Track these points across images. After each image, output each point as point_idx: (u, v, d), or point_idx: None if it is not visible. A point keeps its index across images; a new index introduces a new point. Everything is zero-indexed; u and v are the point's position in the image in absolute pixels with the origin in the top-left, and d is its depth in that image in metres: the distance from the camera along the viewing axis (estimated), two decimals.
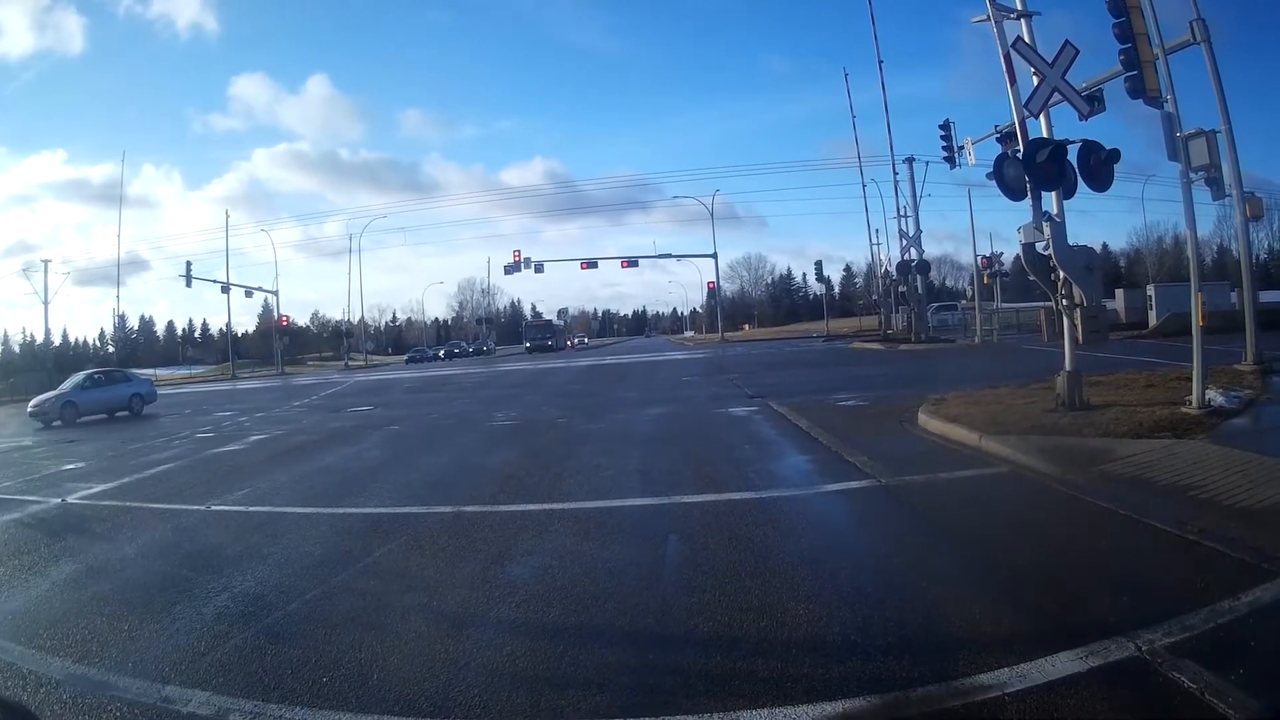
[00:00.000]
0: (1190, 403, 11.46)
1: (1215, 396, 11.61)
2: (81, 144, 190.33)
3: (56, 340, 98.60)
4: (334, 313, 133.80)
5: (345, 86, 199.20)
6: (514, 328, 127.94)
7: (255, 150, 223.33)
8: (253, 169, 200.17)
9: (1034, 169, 11.85)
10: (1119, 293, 48.74)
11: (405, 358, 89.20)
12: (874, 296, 64.21)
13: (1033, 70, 12.37)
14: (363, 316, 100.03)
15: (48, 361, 70.64)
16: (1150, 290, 43.53)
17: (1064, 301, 12.40)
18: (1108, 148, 11.73)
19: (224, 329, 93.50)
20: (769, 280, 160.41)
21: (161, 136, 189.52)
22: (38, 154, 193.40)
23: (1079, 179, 11.91)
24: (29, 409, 27.54)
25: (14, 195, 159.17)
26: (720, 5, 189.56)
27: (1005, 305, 50.29)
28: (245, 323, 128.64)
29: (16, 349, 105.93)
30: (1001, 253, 51.18)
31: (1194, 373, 11.68)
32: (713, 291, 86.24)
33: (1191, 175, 13.05)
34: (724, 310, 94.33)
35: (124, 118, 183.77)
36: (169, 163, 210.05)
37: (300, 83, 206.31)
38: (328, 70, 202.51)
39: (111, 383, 30.06)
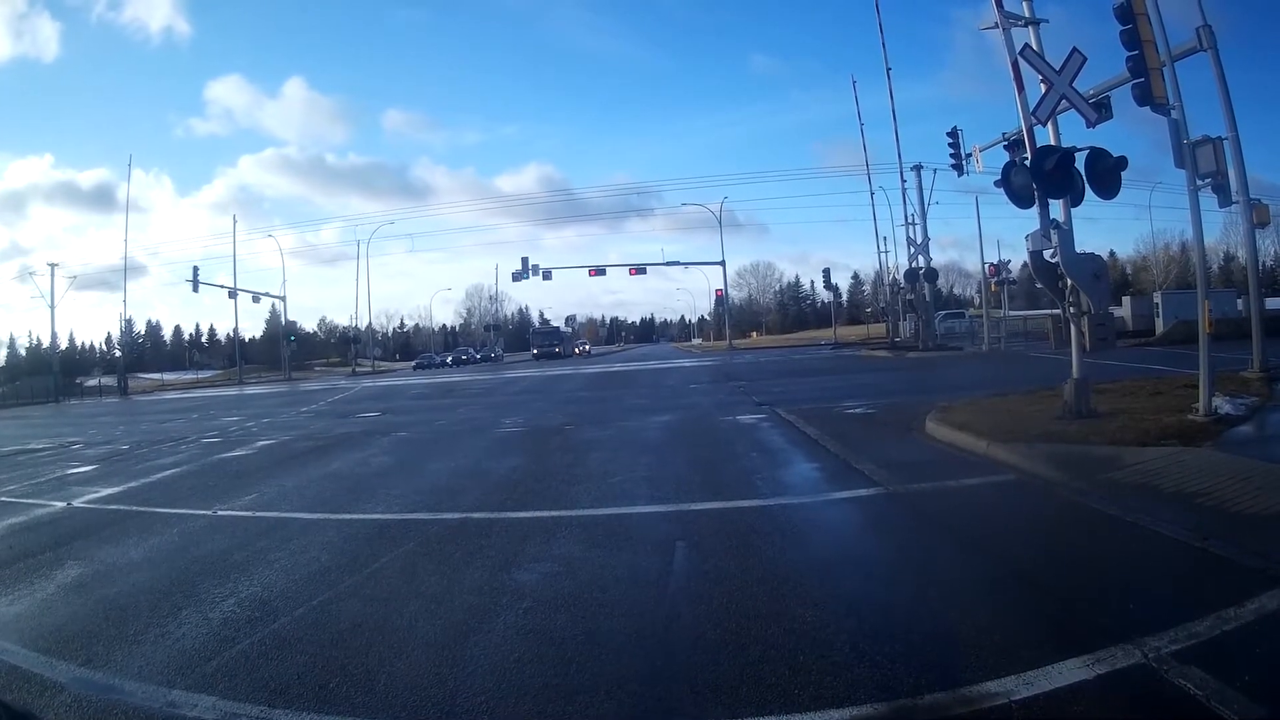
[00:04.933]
0: (1197, 410, 11.43)
1: (1222, 404, 11.58)
2: (68, 149, 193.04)
3: (63, 344, 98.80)
4: (341, 318, 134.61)
5: (328, 88, 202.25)
6: (522, 335, 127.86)
7: (242, 156, 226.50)
8: (241, 175, 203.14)
9: (1042, 177, 11.85)
10: (1126, 300, 48.85)
11: (413, 364, 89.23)
12: (881, 304, 64.08)
13: (1040, 78, 12.38)
14: (370, 322, 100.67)
15: (54, 365, 71.00)
16: (1157, 297, 43.69)
17: (1071, 309, 12.41)
18: (1115, 155, 11.70)
19: (231, 334, 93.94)
20: (777, 288, 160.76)
21: (148, 142, 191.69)
22: (24, 158, 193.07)
23: (1086, 186, 11.88)
24: None
25: (3, 198, 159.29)
26: (716, 9, 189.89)
27: (1013, 313, 50.34)
28: (251, 328, 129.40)
29: (22, 352, 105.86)
30: (1009, 260, 51.00)
31: (1200, 380, 11.65)
32: (720, 299, 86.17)
33: (1198, 182, 13.05)
34: (732, 317, 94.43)
35: (110, 123, 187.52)
36: (157, 167, 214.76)
37: (281, 86, 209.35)
38: (307, 73, 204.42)
39: None
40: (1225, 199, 15.14)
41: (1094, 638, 4.31)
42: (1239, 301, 36.90)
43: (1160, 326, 38.96)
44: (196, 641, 5.27)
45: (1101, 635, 4.34)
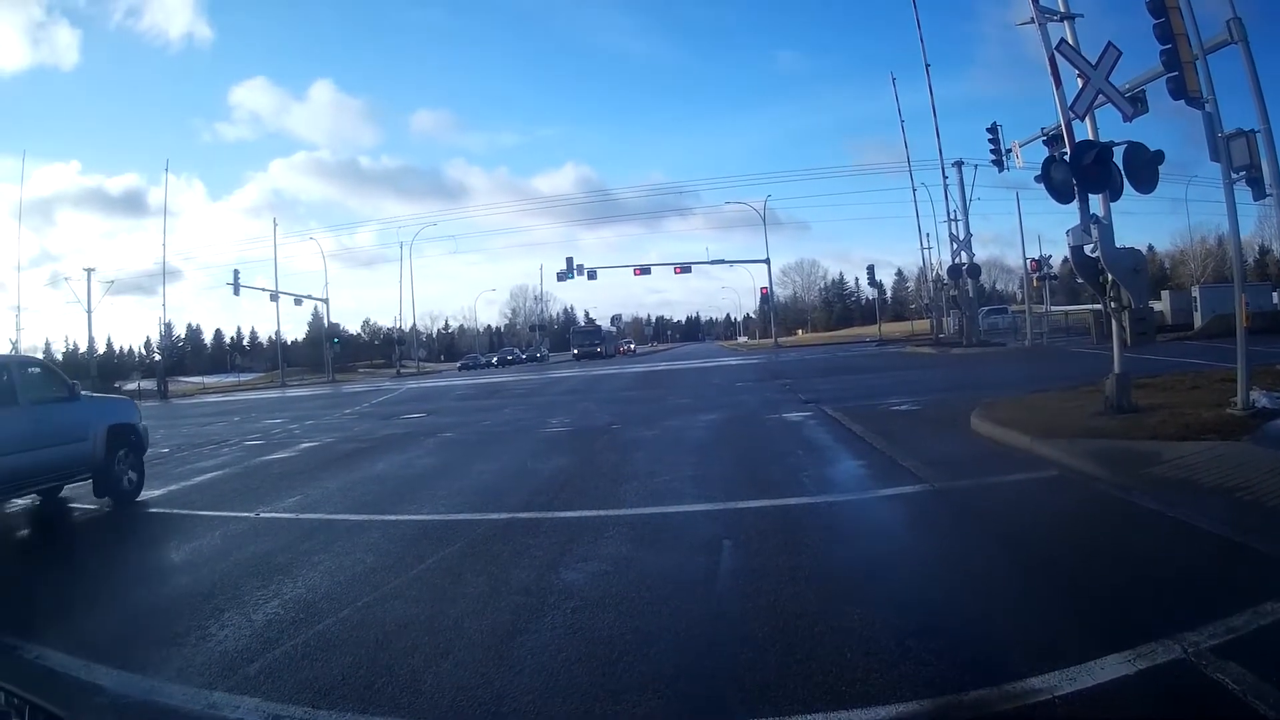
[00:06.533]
0: (1235, 404, 11.33)
1: (1259, 398, 11.44)
2: (95, 156, 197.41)
3: (101, 348, 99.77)
4: (384, 320, 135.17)
5: (356, 90, 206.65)
6: (567, 334, 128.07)
7: (273, 160, 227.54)
8: (273, 178, 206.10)
9: (1081, 171, 11.76)
10: (1165, 294, 48.47)
11: (458, 365, 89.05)
12: (925, 300, 63.58)
13: (1077, 72, 12.31)
14: (414, 324, 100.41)
15: (91, 370, 71.57)
16: (1195, 292, 43.19)
17: (1112, 304, 12.30)
18: (1151, 149, 11.62)
19: (273, 337, 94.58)
20: (821, 285, 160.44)
21: (176, 147, 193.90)
22: (50, 165, 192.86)
23: (1125, 181, 11.81)
24: None
25: (31, 205, 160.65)
26: (741, 6, 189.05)
27: (1054, 308, 49.86)
28: (293, 331, 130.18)
29: (59, 357, 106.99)
30: (1050, 255, 50.64)
31: (1238, 374, 11.58)
32: (765, 297, 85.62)
33: (1233, 175, 12.90)
34: (777, 315, 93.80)
35: (136, 130, 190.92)
36: (188, 172, 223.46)
37: (307, 89, 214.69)
38: (334, 74, 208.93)
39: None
40: (1259, 192, 14.94)
41: (1135, 633, 4.33)
42: (1275, 295, 36.45)
43: (1198, 320, 38.55)
44: (239, 643, 5.33)
45: (1142, 631, 4.35)
